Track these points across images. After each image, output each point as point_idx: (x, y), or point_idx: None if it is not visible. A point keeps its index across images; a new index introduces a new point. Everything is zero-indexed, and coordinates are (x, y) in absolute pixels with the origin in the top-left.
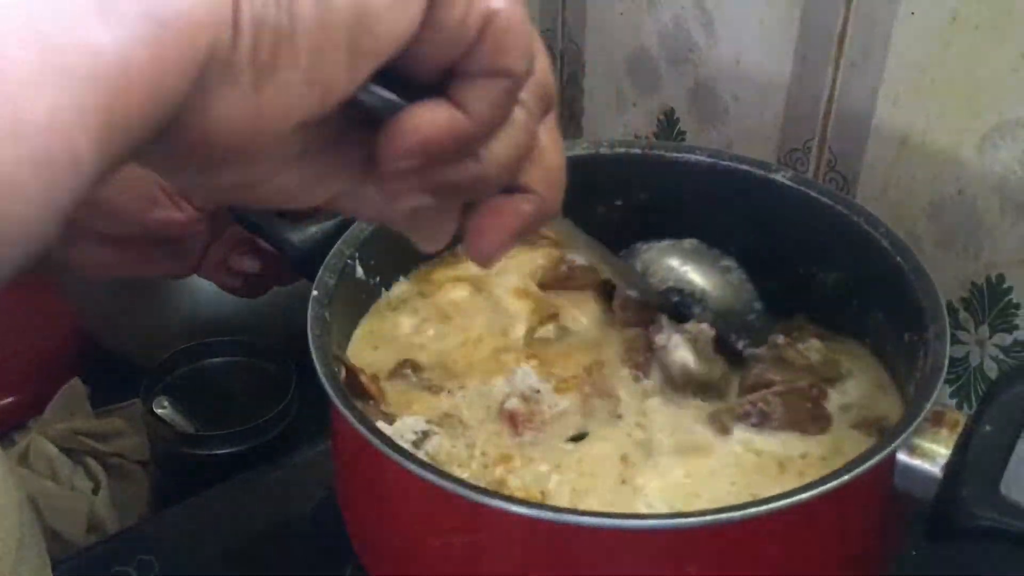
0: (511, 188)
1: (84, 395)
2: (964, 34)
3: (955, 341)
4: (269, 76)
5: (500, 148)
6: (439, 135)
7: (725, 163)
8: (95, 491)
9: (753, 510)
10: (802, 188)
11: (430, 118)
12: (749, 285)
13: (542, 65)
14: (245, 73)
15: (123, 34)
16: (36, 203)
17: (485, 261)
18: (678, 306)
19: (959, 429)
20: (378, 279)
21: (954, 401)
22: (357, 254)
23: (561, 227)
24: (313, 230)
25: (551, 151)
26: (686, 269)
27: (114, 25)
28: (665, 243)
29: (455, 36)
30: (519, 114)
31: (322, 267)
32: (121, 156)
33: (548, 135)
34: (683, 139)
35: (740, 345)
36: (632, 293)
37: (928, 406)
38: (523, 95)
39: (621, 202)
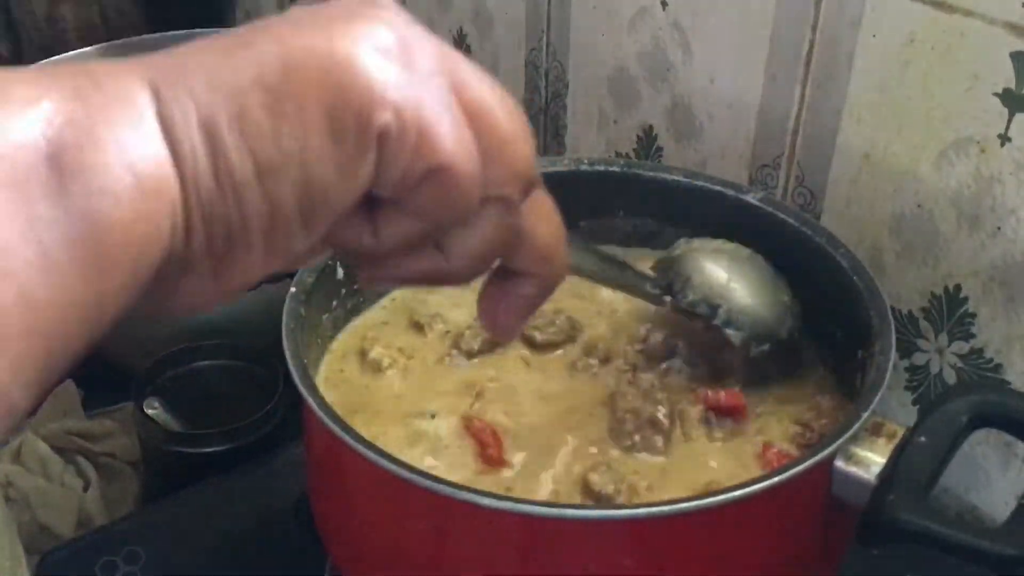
0: (509, 270)
1: (76, 396)
2: (921, 56)
3: (915, 350)
4: (228, 262)
5: (465, 246)
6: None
7: (700, 183)
8: (85, 489)
9: (689, 504)
10: (770, 209)
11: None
12: (797, 309)
13: (519, 151)
14: (203, 264)
15: (60, 281)
16: None
17: (504, 338)
18: (708, 318)
19: (896, 440)
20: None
21: (916, 408)
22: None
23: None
24: None
25: (541, 229)
26: (732, 287)
27: (51, 273)
28: (715, 244)
29: (398, 189)
30: (490, 211)
31: None
32: (62, 369)
33: (534, 214)
34: (661, 155)
35: (771, 371)
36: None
37: (866, 416)
38: (495, 190)
39: (600, 217)
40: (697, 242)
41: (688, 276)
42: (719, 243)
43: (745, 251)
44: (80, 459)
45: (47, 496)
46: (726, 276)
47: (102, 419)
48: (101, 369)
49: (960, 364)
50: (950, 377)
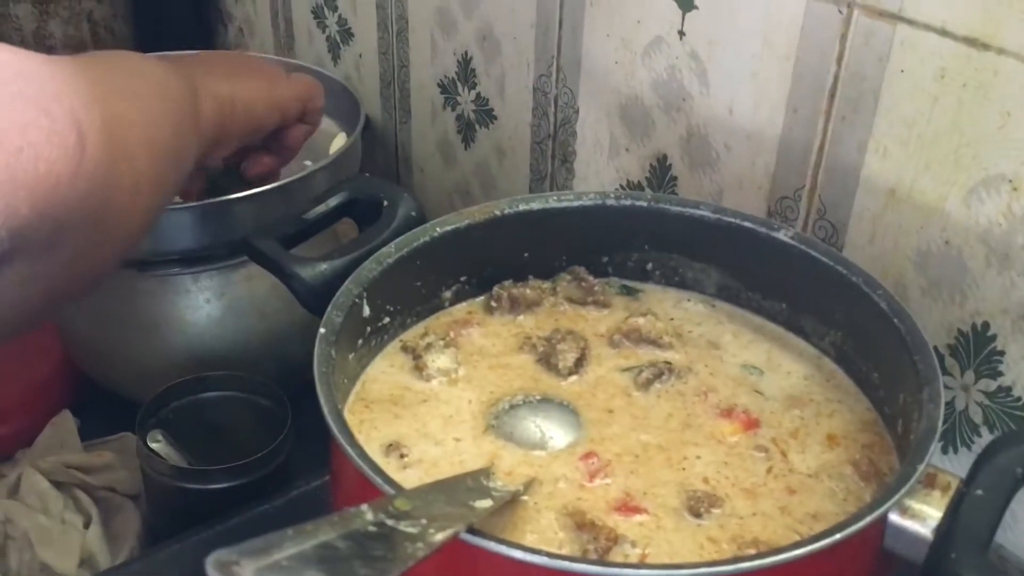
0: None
1: (74, 427)
2: (951, 92)
3: None
4: None
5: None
6: None
7: (728, 219)
8: (86, 525)
9: (743, 565)
10: (803, 247)
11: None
12: None
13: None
14: None
15: None
16: None
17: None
18: None
19: (951, 492)
20: (386, 320)
21: (940, 445)
22: (365, 293)
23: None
24: (324, 267)
25: None
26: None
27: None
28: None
29: None
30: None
31: (330, 305)
32: None
33: None
34: (674, 185)
35: None
36: None
37: (921, 468)
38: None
39: (626, 252)
40: None
41: None
42: None
43: None
44: (79, 493)
45: (48, 534)
46: None
47: (100, 451)
48: (97, 398)
49: (987, 402)
50: (976, 415)
